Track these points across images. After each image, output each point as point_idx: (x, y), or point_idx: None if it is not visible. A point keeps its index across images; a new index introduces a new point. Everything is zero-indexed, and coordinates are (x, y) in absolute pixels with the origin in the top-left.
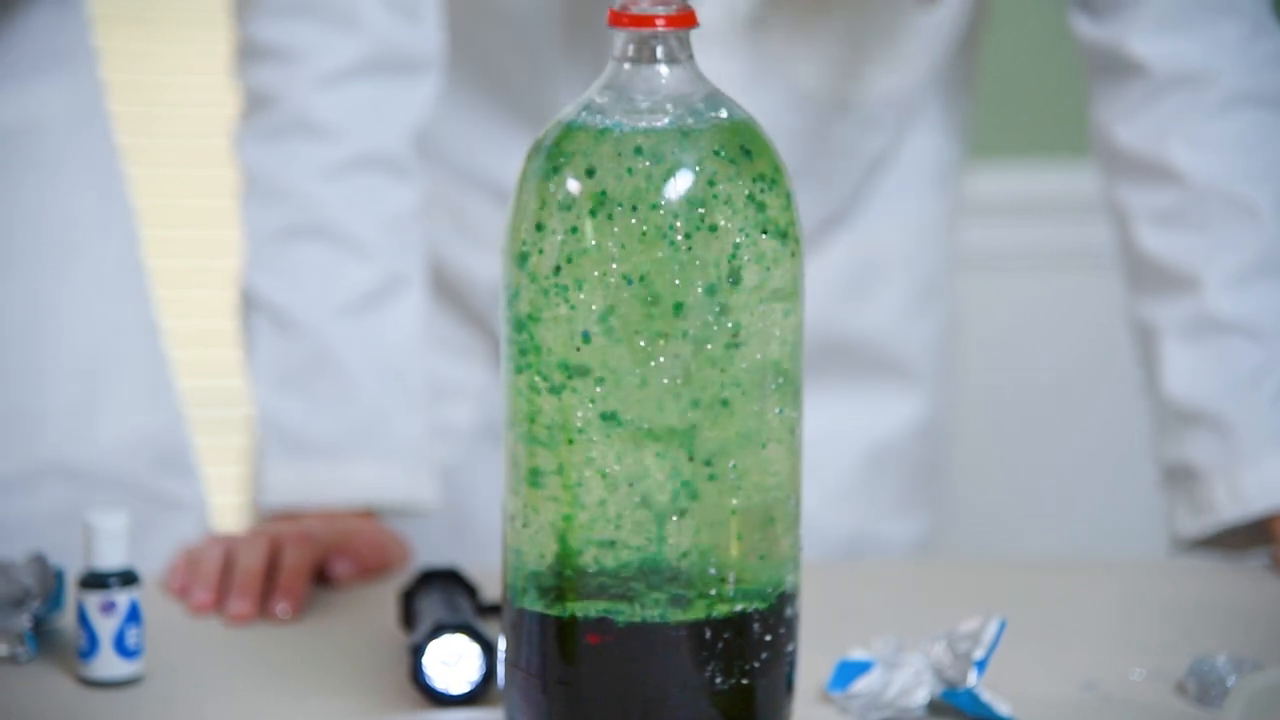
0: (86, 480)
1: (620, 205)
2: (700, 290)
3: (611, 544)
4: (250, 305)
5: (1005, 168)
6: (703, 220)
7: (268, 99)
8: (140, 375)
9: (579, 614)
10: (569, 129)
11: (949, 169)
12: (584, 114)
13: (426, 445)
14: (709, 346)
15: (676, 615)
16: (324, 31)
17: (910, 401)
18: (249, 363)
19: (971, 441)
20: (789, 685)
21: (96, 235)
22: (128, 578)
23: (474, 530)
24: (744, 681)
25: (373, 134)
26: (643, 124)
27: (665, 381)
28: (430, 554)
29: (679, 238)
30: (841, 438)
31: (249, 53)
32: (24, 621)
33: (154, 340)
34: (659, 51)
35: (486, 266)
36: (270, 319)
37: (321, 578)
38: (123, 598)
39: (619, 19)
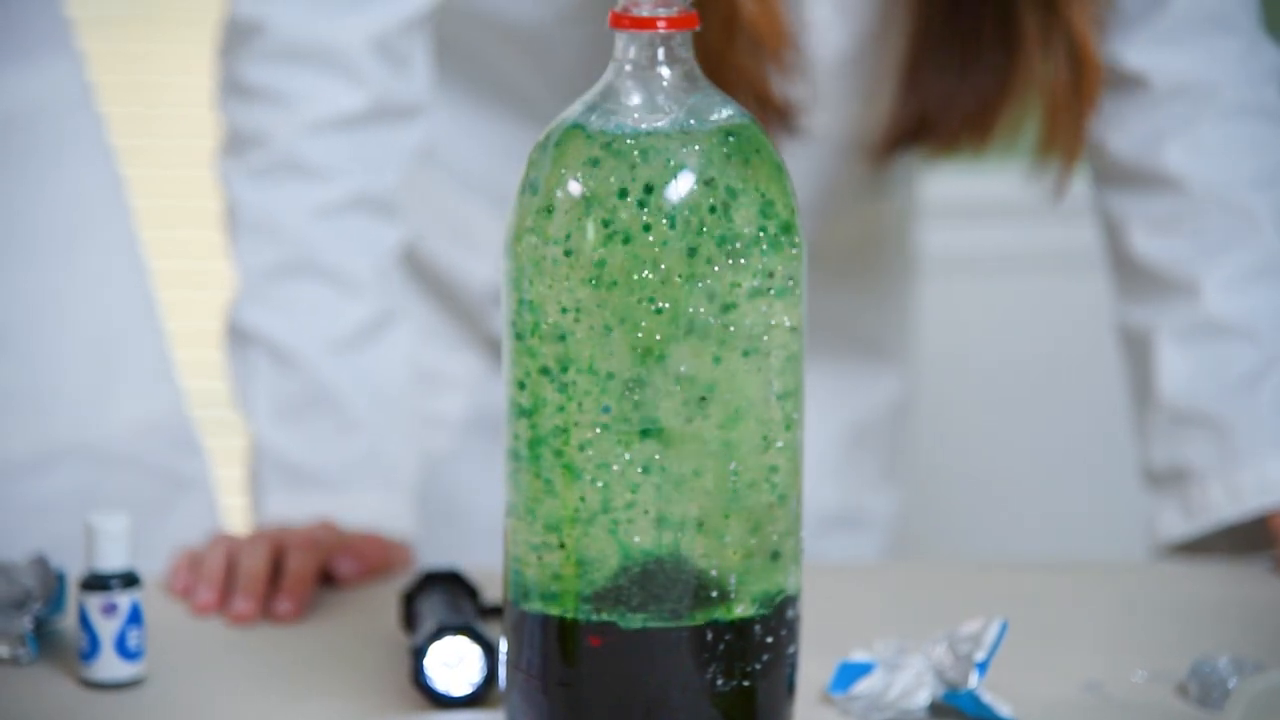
0: (105, 461)
1: (621, 206)
2: (702, 291)
3: (613, 547)
4: (245, 340)
5: (984, 170)
6: (704, 221)
7: (258, 139)
8: (149, 356)
9: (580, 616)
10: (571, 130)
11: (911, 163)
12: (586, 116)
13: (414, 477)
14: (710, 348)
15: (678, 618)
16: (317, 79)
17: (886, 379)
18: (243, 395)
19: (959, 438)
20: (790, 687)
21: (102, 220)
22: (129, 579)
23: (465, 519)
24: (745, 683)
25: (363, 176)
26: (644, 125)
27: (666, 383)
28: (420, 543)
29: (680, 239)
30: (823, 415)
31: (239, 91)
32: (25, 623)
33: (157, 322)
34: (660, 53)
35: (482, 268)
36: (267, 354)
37: (326, 579)
38: (124, 599)
39: (620, 21)
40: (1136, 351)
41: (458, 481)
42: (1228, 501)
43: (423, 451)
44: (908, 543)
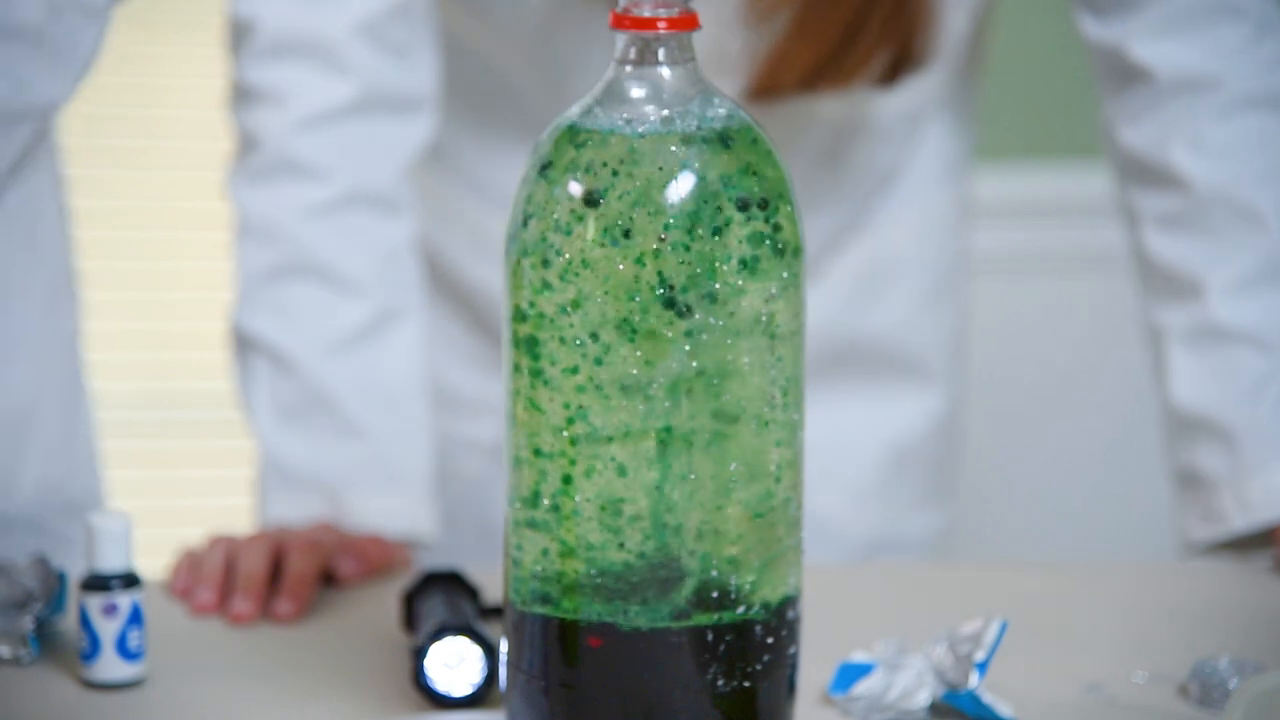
0: (4, 524)
1: (620, 207)
2: (701, 293)
3: (613, 548)
4: (245, 344)
5: (1015, 170)
6: (703, 222)
7: (255, 140)
8: (65, 425)
9: (581, 617)
10: (570, 131)
11: (957, 166)
12: (585, 116)
13: (426, 476)
14: (711, 348)
15: (678, 618)
16: (310, 73)
17: (927, 399)
18: (246, 399)
19: (987, 443)
20: (791, 688)
21: (27, 284)
22: (130, 580)
23: (499, 541)
24: (746, 684)
25: (360, 172)
26: (644, 126)
27: (666, 384)
28: (451, 557)
29: (679, 240)
30: (861, 438)
31: (240, 94)
32: (26, 623)
33: (80, 391)
34: (661, 54)
35: (502, 280)
36: (267, 358)
37: (328, 579)
38: (124, 600)
39: (621, 21)
40: (1155, 352)
41: (491, 503)
42: (1239, 512)
43: (436, 446)
44: (944, 556)
